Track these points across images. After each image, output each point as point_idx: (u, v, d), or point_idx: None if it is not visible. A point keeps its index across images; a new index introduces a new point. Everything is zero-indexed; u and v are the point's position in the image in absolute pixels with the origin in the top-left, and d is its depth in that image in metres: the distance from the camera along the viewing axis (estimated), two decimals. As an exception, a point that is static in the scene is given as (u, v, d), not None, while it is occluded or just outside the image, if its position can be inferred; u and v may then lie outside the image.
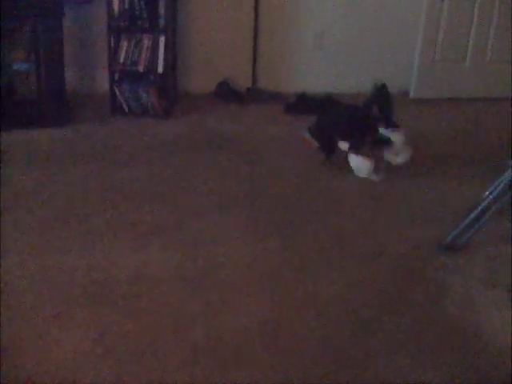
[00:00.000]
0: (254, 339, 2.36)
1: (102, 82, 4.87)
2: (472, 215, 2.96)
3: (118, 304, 2.53)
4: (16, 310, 2.47)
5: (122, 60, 4.63)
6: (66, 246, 2.95)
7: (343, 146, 3.87)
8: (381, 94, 4.02)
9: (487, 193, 3.29)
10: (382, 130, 3.85)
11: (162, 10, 4.63)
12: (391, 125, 3.85)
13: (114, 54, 4.63)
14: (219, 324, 2.44)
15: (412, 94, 5.34)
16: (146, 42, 4.61)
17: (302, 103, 4.95)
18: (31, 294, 2.58)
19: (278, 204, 3.44)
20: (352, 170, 3.80)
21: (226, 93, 5.20)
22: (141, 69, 4.64)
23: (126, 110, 4.71)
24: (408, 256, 2.95)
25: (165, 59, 4.62)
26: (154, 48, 4.60)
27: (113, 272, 2.74)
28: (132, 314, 2.47)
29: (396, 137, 3.85)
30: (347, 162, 3.81)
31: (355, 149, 3.81)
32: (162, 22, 4.64)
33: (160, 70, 4.62)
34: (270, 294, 2.63)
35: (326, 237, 3.11)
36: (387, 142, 3.84)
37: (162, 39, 4.61)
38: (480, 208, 2.96)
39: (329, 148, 3.93)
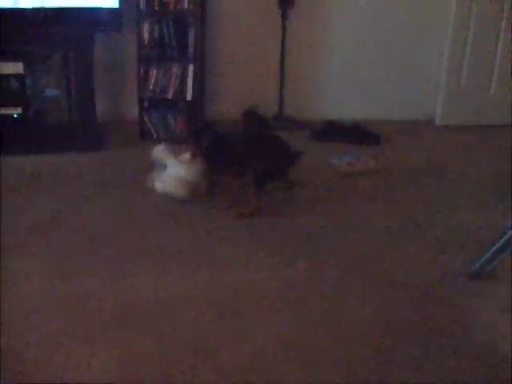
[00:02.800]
0: (279, 363, 2.37)
1: (132, 109, 4.96)
2: (498, 243, 2.96)
3: (144, 327, 2.56)
4: (44, 332, 2.51)
5: (151, 87, 4.72)
6: (93, 269, 3.00)
7: None
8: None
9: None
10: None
11: (190, 39, 4.73)
12: None
13: (143, 81, 4.72)
14: (244, 348, 2.45)
15: (438, 121, 5.36)
16: (175, 70, 4.70)
17: (329, 130, 4.98)
18: (59, 316, 2.62)
19: (303, 230, 3.46)
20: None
21: (253, 120, 5.24)
22: (169, 96, 4.73)
23: (155, 136, 4.78)
24: (434, 283, 2.95)
25: (193, 87, 4.71)
26: (183, 76, 4.69)
27: (138, 296, 2.78)
28: (157, 338, 2.49)
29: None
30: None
31: None
32: (190, 50, 4.73)
33: (188, 97, 4.70)
34: (296, 319, 2.64)
35: (353, 263, 3.11)
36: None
37: (191, 67, 4.69)
38: (506, 236, 2.95)
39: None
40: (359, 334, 2.56)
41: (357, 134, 4.94)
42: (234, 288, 2.85)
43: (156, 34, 4.71)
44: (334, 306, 2.74)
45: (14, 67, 4.48)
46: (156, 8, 4.70)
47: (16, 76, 4.63)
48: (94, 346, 2.43)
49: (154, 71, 4.72)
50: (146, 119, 4.78)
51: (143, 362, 2.35)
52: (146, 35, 4.71)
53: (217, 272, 2.99)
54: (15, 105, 4.61)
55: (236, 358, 2.39)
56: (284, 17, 5.14)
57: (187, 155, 3.80)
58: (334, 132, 4.96)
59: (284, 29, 5.16)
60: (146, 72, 4.73)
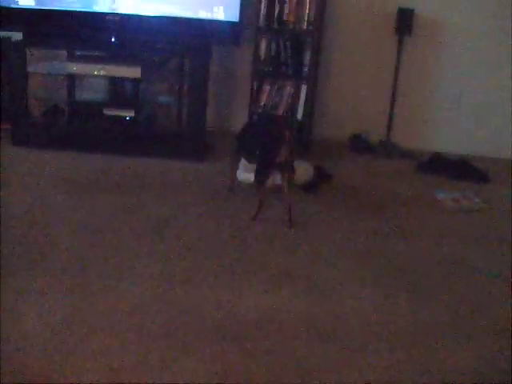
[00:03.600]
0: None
1: (240, 123, 4.98)
2: None
3: (244, 343, 2.55)
4: (144, 334, 2.54)
5: (262, 103, 4.75)
6: (196, 278, 3.03)
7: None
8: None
9: None
10: None
11: (306, 59, 4.75)
12: None
13: (255, 96, 4.75)
14: (342, 376, 2.41)
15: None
16: (289, 88, 4.72)
17: (436, 163, 4.88)
18: (159, 321, 2.65)
19: (411, 264, 3.38)
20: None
21: (359, 145, 5.22)
22: (280, 113, 4.74)
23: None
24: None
25: (304, 106, 4.71)
26: (296, 95, 4.70)
27: (241, 310, 2.77)
28: (256, 355, 2.48)
29: None
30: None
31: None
32: (305, 70, 4.75)
33: (299, 116, 4.71)
34: (394, 354, 2.57)
35: (459, 303, 3.01)
36: None
37: (304, 87, 4.70)
38: None
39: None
40: (460, 379, 2.47)
41: (464, 169, 4.81)
42: (336, 315, 2.81)
43: (272, 51, 4.76)
44: (436, 346, 2.66)
45: (132, 71, 4.61)
46: (275, 25, 4.75)
47: (132, 80, 4.76)
48: (191, 356, 2.43)
49: (268, 87, 4.76)
50: (253, 134, 4.81)
51: (239, 377, 2.34)
52: (262, 51, 4.76)
53: (319, 296, 2.95)
54: (128, 108, 4.73)
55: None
56: (400, 43, 5.09)
57: None
58: (441, 165, 4.85)
59: (399, 55, 5.12)
60: (259, 87, 4.78)
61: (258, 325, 2.68)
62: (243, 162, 4.03)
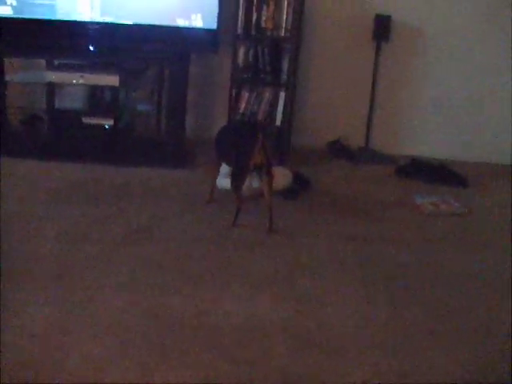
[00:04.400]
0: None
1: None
2: None
3: (225, 350, 2.55)
4: (125, 343, 2.54)
5: (241, 110, 4.77)
6: (176, 287, 3.01)
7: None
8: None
9: None
10: None
11: (284, 66, 4.77)
12: None
13: (234, 103, 4.77)
14: (324, 382, 2.41)
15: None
16: (267, 95, 4.74)
17: (415, 168, 4.92)
18: (140, 329, 2.64)
19: (391, 269, 3.40)
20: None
21: (338, 151, 5.24)
22: (258, 120, 4.75)
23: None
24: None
25: (283, 113, 4.73)
26: (274, 101, 4.72)
27: (221, 318, 2.77)
28: (238, 363, 2.48)
29: None
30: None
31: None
32: (283, 77, 4.77)
33: (278, 122, 4.73)
34: (376, 362, 2.58)
35: (439, 308, 3.03)
36: None
37: (283, 94, 4.72)
38: None
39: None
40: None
41: (443, 174, 4.84)
42: (318, 322, 2.82)
43: (250, 58, 4.77)
44: (415, 353, 2.67)
45: (111, 79, 4.61)
46: (253, 33, 4.77)
47: (111, 88, 4.76)
48: (173, 365, 2.43)
49: (246, 94, 4.77)
50: (233, 141, 4.81)
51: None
52: (240, 58, 4.78)
53: (300, 302, 2.96)
54: (107, 116, 4.73)
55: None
56: (378, 50, 5.14)
57: None
58: (420, 170, 4.88)
59: (377, 62, 5.16)
60: (238, 95, 4.79)
61: (239, 332, 2.68)
62: (223, 168, 4.04)
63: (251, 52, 4.78)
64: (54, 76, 4.61)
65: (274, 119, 4.76)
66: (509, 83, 5.18)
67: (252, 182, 3.89)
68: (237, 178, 3.68)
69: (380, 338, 2.73)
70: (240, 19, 4.74)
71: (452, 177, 4.82)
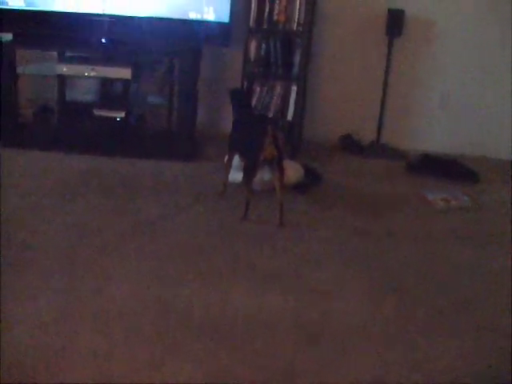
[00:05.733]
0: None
1: (231, 124, 4.98)
2: None
3: (232, 344, 2.55)
4: (132, 334, 2.54)
5: (253, 104, 4.75)
6: (185, 279, 3.02)
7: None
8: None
9: None
10: None
11: (296, 60, 4.75)
12: None
13: (246, 97, 4.76)
14: (329, 377, 2.41)
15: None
16: (279, 88, 4.73)
17: (426, 163, 4.89)
18: (148, 321, 2.64)
19: (400, 264, 3.39)
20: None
21: (349, 145, 5.23)
22: (270, 114, 4.74)
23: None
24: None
25: (295, 107, 4.72)
26: (286, 95, 4.70)
27: (229, 311, 2.77)
28: (245, 356, 2.48)
29: None
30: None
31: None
32: (295, 70, 4.75)
33: (289, 117, 4.72)
34: (382, 354, 2.58)
35: (447, 302, 3.02)
36: None
37: (294, 88, 4.71)
38: None
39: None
40: (445, 377, 2.47)
41: (454, 169, 4.82)
42: (326, 315, 2.81)
43: (262, 52, 4.76)
44: (422, 346, 2.66)
45: (122, 72, 4.61)
46: (265, 26, 4.76)
47: (123, 81, 4.76)
48: (179, 357, 2.43)
49: (258, 88, 4.77)
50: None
51: (227, 378, 2.34)
52: (252, 52, 4.77)
53: (307, 296, 2.96)
54: (119, 108, 4.73)
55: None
56: (390, 44, 5.11)
57: None
58: (431, 166, 4.86)
59: (389, 57, 5.13)
60: (249, 88, 4.78)
61: (247, 325, 2.69)
62: (234, 161, 4.04)
63: (263, 46, 4.76)
64: (65, 68, 4.61)
65: (285, 113, 4.73)
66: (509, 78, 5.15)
67: (263, 176, 3.88)
68: (248, 171, 3.69)
69: (387, 332, 2.73)
70: (252, 12, 4.73)
71: (462, 172, 4.79)
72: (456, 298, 3.07)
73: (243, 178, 3.73)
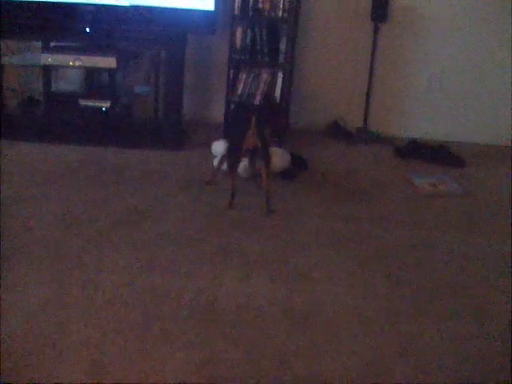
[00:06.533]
0: (353, 381, 2.34)
1: (217, 112, 5.00)
2: None
3: (224, 331, 2.56)
4: (123, 323, 2.55)
5: (239, 92, 4.75)
6: (174, 267, 3.03)
7: None
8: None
9: None
10: None
11: (282, 46, 4.74)
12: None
13: (232, 85, 4.75)
14: (320, 361, 2.43)
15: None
16: (265, 76, 4.72)
17: (413, 149, 4.90)
18: (139, 309, 2.65)
19: (388, 249, 3.41)
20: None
21: (336, 132, 5.23)
22: (256, 102, 4.73)
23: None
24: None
25: (281, 93, 4.71)
26: (272, 82, 4.69)
27: (220, 298, 2.78)
28: (237, 343, 2.49)
29: None
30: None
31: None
32: (281, 57, 4.74)
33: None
34: (373, 338, 2.60)
35: (435, 287, 3.04)
36: None
37: (280, 75, 4.70)
38: None
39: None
40: (435, 358, 2.50)
41: (441, 155, 4.84)
42: (315, 301, 2.83)
43: (248, 39, 4.75)
44: (412, 329, 2.68)
45: (108, 61, 4.58)
46: (250, 14, 4.74)
47: (108, 70, 4.73)
48: (172, 345, 2.44)
49: (244, 76, 4.76)
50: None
51: (220, 364, 2.35)
52: (238, 40, 4.76)
53: (297, 282, 2.97)
54: (104, 98, 4.71)
55: (313, 371, 2.37)
56: (376, 30, 5.10)
57: None
58: (418, 151, 4.88)
59: (375, 42, 5.13)
60: (236, 76, 4.77)
61: (237, 312, 2.70)
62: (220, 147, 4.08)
63: (249, 33, 4.75)
64: (50, 58, 4.57)
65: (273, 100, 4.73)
66: (508, 64, 5.16)
67: (250, 164, 3.90)
68: (230, 159, 3.73)
69: (376, 317, 2.75)
70: (237, 0, 4.70)
71: (449, 157, 4.82)
72: (444, 282, 3.10)
73: (227, 164, 3.76)
